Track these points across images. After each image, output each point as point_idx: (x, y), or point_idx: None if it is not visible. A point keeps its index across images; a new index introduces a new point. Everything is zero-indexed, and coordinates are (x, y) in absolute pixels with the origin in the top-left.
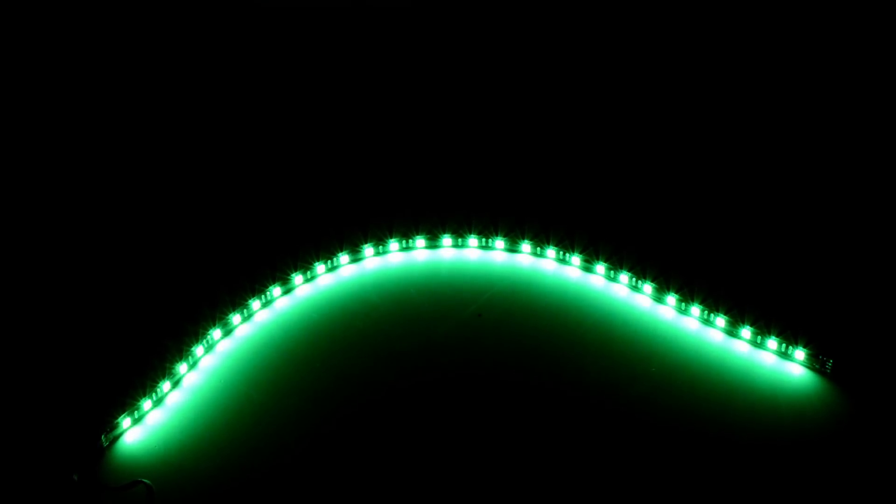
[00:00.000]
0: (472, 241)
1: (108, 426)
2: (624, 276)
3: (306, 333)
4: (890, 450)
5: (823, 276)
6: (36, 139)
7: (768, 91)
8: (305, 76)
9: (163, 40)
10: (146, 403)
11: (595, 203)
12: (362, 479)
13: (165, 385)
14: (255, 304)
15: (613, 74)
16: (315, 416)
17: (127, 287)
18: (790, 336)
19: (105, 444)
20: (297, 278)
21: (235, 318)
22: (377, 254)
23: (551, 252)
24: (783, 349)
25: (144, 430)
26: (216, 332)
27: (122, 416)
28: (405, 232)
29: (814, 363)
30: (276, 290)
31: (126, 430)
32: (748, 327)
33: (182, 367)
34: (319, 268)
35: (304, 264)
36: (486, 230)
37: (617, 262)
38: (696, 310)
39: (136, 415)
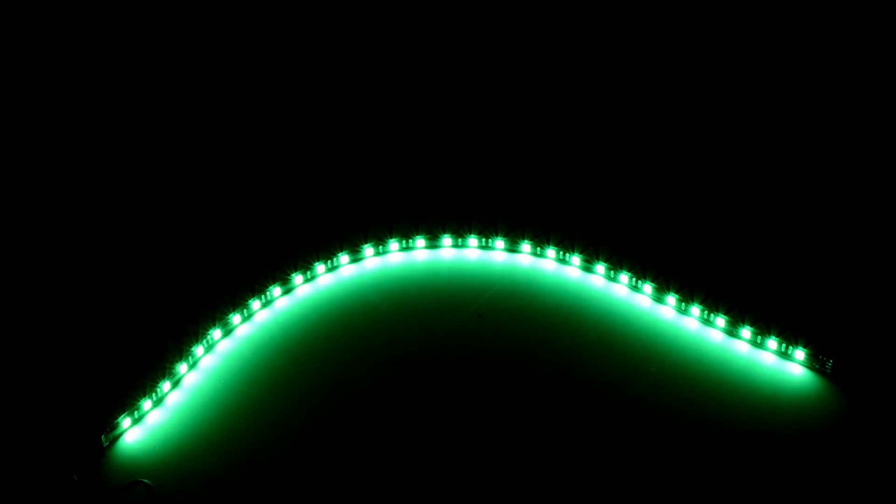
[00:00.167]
0: (472, 241)
1: (108, 426)
2: (624, 276)
3: (306, 333)
4: (890, 449)
5: (823, 277)
6: (36, 139)
7: (768, 91)
8: (305, 76)
9: (163, 40)
10: (146, 403)
11: (595, 203)
12: (362, 479)
13: (165, 385)
14: (255, 304)
15: (613, 75)
16: (315, 415)
17: (127, 287)
18: (790, 336)
19: (105, 444)
20: (297, 278)
21: (235, 318)
22: (377, 254)
23: (551, 252)
24: (783, 349)
25: (144, 430)
26: (216, 332)
27: (122, 416)
28: (405, 232)
29: (814, 363)
30: (276, 290)
31: (126, 430)
32: (748, 327)
33: (182, 367)
34: (319, 268)
35: (304, 264)
36: (486, 230)
37: (617, 262)
38: (696, 310)
39: (136, 415)
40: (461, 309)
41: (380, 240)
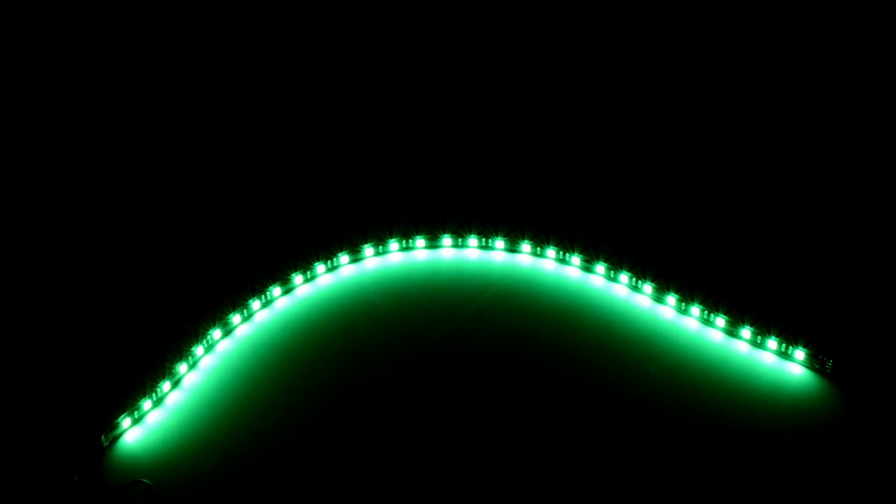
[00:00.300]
0: (472, 241)
1: (108, 426)
2: (624, 276)
3: (306, 333)
4: (889, 449)
5: (823, 277)
6: (36, 140)
7: (768, 92)
8: (305, 76)
9: (163, 40)
10: (146, 403)
11: (595, 203)
12: (362, 478)
13: (165, 385)
14: (255, 304)
15: (614, 75)
16: (315, 415)
17: (127, 287)
18: (790, 336)
19: (105, 444)
20: (297, 278)
21: (235, 318)
22: (377, 254)
23: (551, 252)
24: (783, 349)
25: (144, 430)
26: (216, 332)
27: (122, 416)
28: (405, 232)
29: (814, 363)
30: (276, 290)
31: (126, 430)
32: (748, 327)
33: (182, 367)
34: (319, 268)
35: (304, 264)
36: (486, 230)
37: (617, 262)
38: (696, 310)
39: (136, 415)
40: (461, 309)
41: (380, 240)
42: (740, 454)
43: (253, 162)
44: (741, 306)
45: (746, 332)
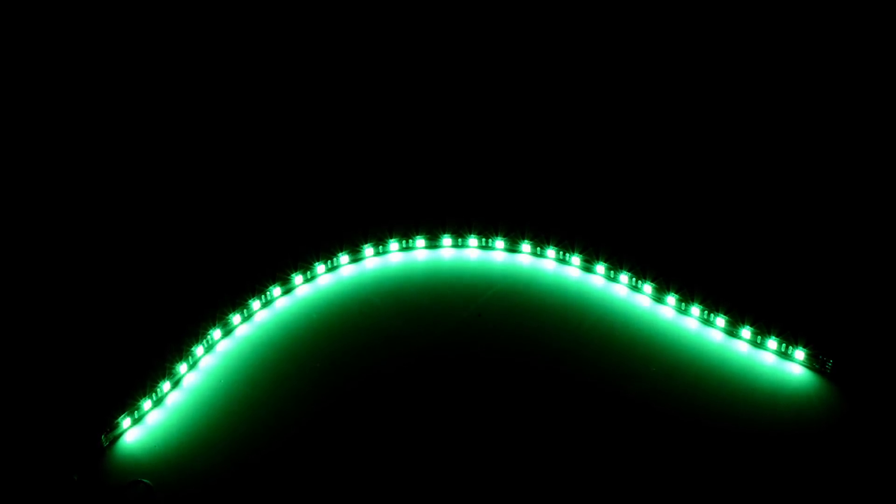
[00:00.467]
0: (472, 241)
1: (108, 426)
2: (624, 276)
3: (306, 333)
4: (889, 449)
5: (823, 277)
6: (36, 140)
7: (768, 92)
8: (305, 77)
9: (163, 39)
10: (146, 403)
11: (595, 203)
12: (362, 478)
13: (165, 385)
14: (255, 304)
15: (614, 75)
16: (315, 415)
17: (127, 287)
18: (790, 336)
19: (105, 444)
20: (297, 278)
21: (235, 318)
22: (377, 254)
23: (551, 252)
24: (783, 349)
25: (144, 430)
26: (216, 332)
27: (122, 416)
28: (405, 232)
29: (814, 363)
30: (276, 290)
31: (126, 430)
32: (748, 327)
33: (182, 367)
34: (319, 268)
35: (304, 264)
36: (486, 230)
37: (617, 262)
38: (696, 310)
39: (136, 415)
40: (461, 309)
41: (380, 240)
42: (740, 454)
43: (253, 162)
44: (741, 306)
45: (746, 332)
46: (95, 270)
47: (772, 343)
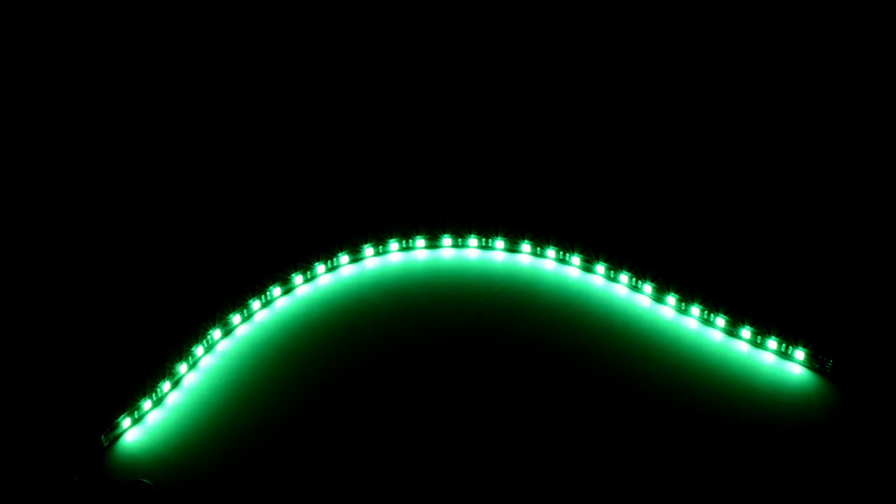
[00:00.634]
0: (472, 241)
1: (108, 426)
2: (624, 276)
3: (306, 333)
4: (889, 449)
5: (823, 277)
6: (37, 140)
7: (767, 92)
8: (305, 77)
9: (163, 39)
10: (146, 403)
11: (595, 203)
12: (362, 478)
13: (165, 385)
14: (255, 304)
15: (614, 75)
16: (315, 415)
17: (127, 287)
18: (790, 336)
19: (105, 444)
20: (298, 278)
21: (235, 318)
22: (377, 254)
23: (551, 252)
24: (783, 349)
25: (144, 429)
26: (216, 332)
27: (122, 416)
28: (405, 232)
29: (814, 363)
30: (276, 290)
31: (126, 430)
32: (748, 327)
33: (182, 367)
34: (319, 268)
35: (304, 264)
36: (486, 230)
37: (617, 262)
38: (696, 310)
39: (136, 415)
40: (461, 309)
41: (380, 240)
42: (741, 454)
43: (253, 163)
44: (741, 306)
45: (746, 332)
46: (96, 271)
47: (772, 343)
